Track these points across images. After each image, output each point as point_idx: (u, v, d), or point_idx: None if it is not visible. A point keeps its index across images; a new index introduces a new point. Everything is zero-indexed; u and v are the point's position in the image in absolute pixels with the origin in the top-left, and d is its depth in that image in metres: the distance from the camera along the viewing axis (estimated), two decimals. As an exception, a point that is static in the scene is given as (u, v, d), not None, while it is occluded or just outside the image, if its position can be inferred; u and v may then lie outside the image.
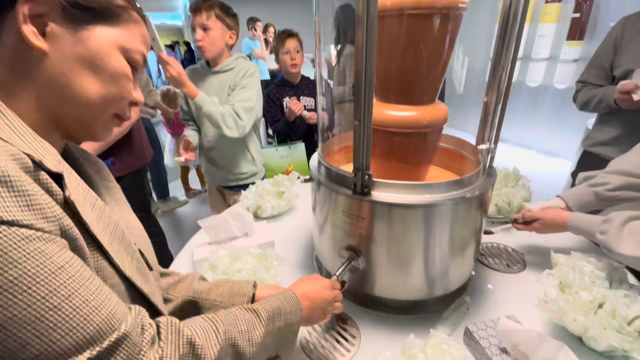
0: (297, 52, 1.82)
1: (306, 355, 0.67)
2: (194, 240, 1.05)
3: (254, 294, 0.63)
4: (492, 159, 0.75)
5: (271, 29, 4.16)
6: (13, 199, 0.28)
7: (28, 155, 0.32)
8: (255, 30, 3.98)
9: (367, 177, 0.63)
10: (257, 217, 1.17)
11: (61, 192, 0.34)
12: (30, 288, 0.28)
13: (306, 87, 1.96)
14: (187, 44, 9.30)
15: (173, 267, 0.95)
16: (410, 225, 0.66)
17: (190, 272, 0.68)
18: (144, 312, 0.38)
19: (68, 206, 0.35)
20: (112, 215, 0.42)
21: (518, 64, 3.73)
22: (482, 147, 0.73)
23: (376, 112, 0.71)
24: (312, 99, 1.94)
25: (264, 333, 0.47)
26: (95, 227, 0.37)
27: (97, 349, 0.31)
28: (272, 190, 1.18)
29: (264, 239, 0.98)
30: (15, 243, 0.28)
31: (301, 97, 1.92)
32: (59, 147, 0.43)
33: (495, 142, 0.74)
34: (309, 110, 1.91)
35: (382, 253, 0.69)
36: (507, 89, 0.69)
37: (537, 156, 3.89)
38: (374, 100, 0.77)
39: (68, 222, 0.33)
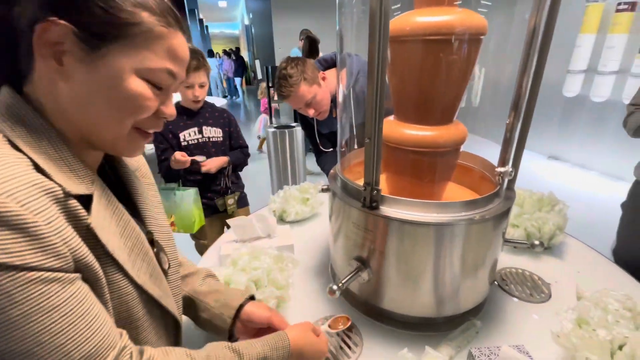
0: (202, 87, 1.45)
1: (308, 356, 0.71)
2: (223, 237, 1.14)
3: (239, 307, 0.64)
4: (511, 182, 0.73)
5: None
6: (27, 244, 0.32)
7: (60, 185, 0.37)
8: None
9: (375, 192, 0.66)
10: (282, 220, 1.23)
11: (87, 216, 0.39)
12: (24, 326, 0.33)
13: (211, 115, 1.55)
14: (237, 50, 9.99)
15: (205, 258, 1.04)
16: (417, 243, 0.67)
17: (205, 267, 0.75)
18: (128, 345, 0.41)
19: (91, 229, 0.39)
20: (134, 226, 0.48)
21: (581, 76, 3.43)
22: (501, 169, 0.71)
23: (393, 131, 0.74)
24: (220, 130, 1.57)
25: None
26: (116, 243, 0.43)
27: None
28: (298, 197, 1.24)
29: (284, 241, 1.04)
30: (20, 286, 0.32)
31: (204, 127, 1.53)
32: (97, 160, 0.48)
33: (516, 165, 0.72)
34: (215, 142, 1.54)
35: (390, 267, 0.71)
36: (528, 109, 0.68)
37: (599, 179, 3.53)
38: (392, 119, 0.79)
39: (84, 251, 0.38)
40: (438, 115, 0.73)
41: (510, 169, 0.70)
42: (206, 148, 1.53)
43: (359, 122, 0.92)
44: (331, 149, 1.54)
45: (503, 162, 0.74)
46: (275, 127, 2.92)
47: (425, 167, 0.76)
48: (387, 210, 0.67)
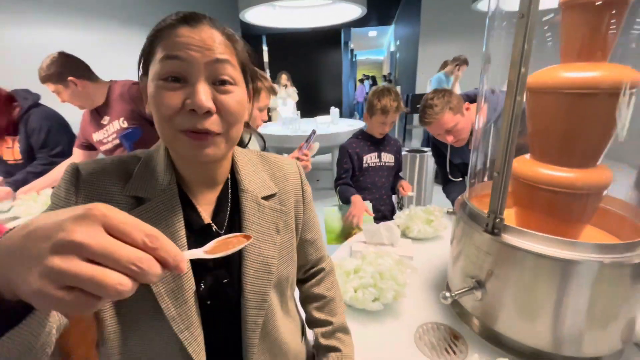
0: (393, 123, 1.68)
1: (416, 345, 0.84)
2: (355, 237, 1.38)
3: None
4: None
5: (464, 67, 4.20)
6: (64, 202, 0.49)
7: (129, 185, 0.53)
8: (458, 70, 4.12)
9: (498, 220, 0.75)
10: (404, 235, 1.38)
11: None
12: None
13: (387, 143, 1.82)
14: (374, 77, 10.47)
15: (338, 251, 1.29)
16: (534, 273, 0.72)
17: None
18: None
19: None
20: (179, 238, 0.51)
21: None
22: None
23: (529, 169, 0.81)
24: (393, 156, 1.82)
25: None
26: None
27: None
28: (422, 217, 1.37)
29: (405, 252, 1.19)
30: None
31: (383, 153, 1.79)
32: (198, 172, 0.55)
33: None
34: (388, 167, 1.81)
35: (504, 291, 0.78)
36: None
37: None
38: (529, 158, 0.85)
39: None
40: (578, 160, 0.76)
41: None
42: (382, 171, 1.82)
43: (493, 156, 1.00)
44: (460, 179, 1.59)
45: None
46: (407, 151, 3.05)
47: (560, 207, 0.79)
48: (509, 238, 0.75)
